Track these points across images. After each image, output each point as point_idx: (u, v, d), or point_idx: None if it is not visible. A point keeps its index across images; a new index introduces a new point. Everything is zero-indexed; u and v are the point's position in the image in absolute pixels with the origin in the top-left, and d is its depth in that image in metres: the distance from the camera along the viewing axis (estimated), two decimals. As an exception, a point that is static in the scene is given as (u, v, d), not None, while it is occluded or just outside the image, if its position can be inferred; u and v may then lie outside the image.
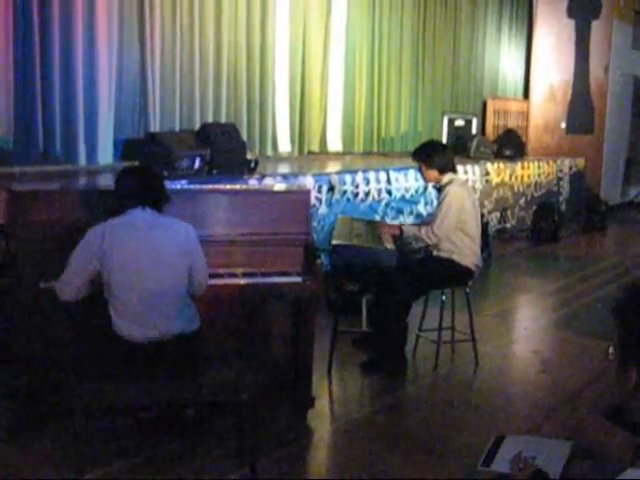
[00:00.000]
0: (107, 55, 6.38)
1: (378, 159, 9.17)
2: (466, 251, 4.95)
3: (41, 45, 5.91)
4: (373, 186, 7.21)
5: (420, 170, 5.12)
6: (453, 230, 4.90)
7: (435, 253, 5.02)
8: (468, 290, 5.10)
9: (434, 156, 5.02)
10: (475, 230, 5.01)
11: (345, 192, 6.87)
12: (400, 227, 5.16)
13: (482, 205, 9.28)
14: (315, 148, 9.02)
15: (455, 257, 4.94)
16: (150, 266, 3.27)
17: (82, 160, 6.24)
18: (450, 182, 4.98)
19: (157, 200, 3.41)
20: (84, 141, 6.25)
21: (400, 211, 7.56)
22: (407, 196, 7.67)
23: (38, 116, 5.94)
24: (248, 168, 6.41)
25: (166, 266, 3.31)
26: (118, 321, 3.26)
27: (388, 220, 6.90)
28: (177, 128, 7.08)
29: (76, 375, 3.23)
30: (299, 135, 8.74)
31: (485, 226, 8.56)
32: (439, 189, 5.06)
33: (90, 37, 6.25)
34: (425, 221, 5.49)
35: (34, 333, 3.65)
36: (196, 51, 7.33)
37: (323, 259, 4.79)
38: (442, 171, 5.02)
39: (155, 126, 6.86)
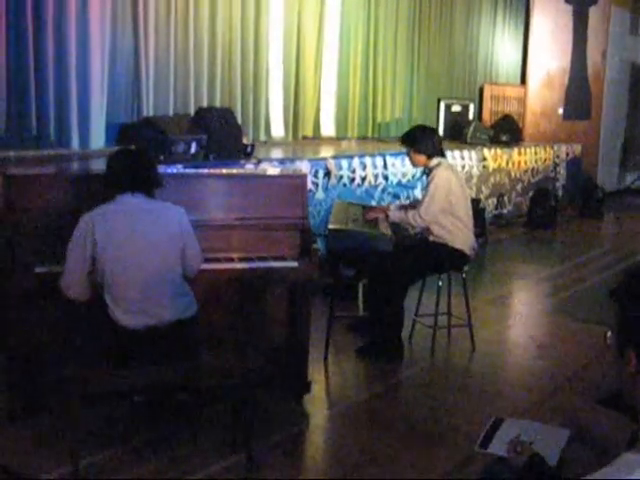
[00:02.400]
0: (100, 39, 6.35)
1: (374, 144, 9.16)
2: (459, 234, 4.96)
3: (34, 29, 5.87)
4: (370, 171, 7.21)
5: (408, 154, 5.13)
6: (442, 213, 4.91)
7: (431, 238, 5.02)
8: (464, 275, 5.12)
9: (421, 141, 5.03)
10: (465, 213, 5.01)
11: (341, 177, 6.87)
12: (386, 210, 5.17)
13: (479, 191, 9.29)
14: (309, 133, 9.00)
15: (449, 241, 4.95)
16: (143, 253, 3.26)
17: (75, 144, 6.22)
18: (437, 165, 4.99)
19: (148, 184, 3.38)
20: (77, 125, 6.23)
21: (397, 196, 7.56)
22: (404, 181, 7.68)
23: (31, 100, 5.91)
24: (245, 153, 6.40)
25: (159, 252, 3.30)
26: (114, 308, 3.26)
27: (384, 204, 6.90)
28: (171, 113, 7.05)
29: (72, 360, 3.24)
30: (293, 120, 8.73)
31: (482, 212, 8.58)
32: (427, 173, 5.07)
33: (83, 21, 6.21)
34: (412, 204, 5.49)
35: (30, 319, 3.64)
36: (190, 35, 7.29)
37: (319, 244, 4.78)
38: (430, 155, 5.03)
39: (149, 110, 6.84)
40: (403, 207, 5.37)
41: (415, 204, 5.28)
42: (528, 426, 2.50)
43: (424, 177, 5.26)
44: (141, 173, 3.36)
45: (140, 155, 3.49)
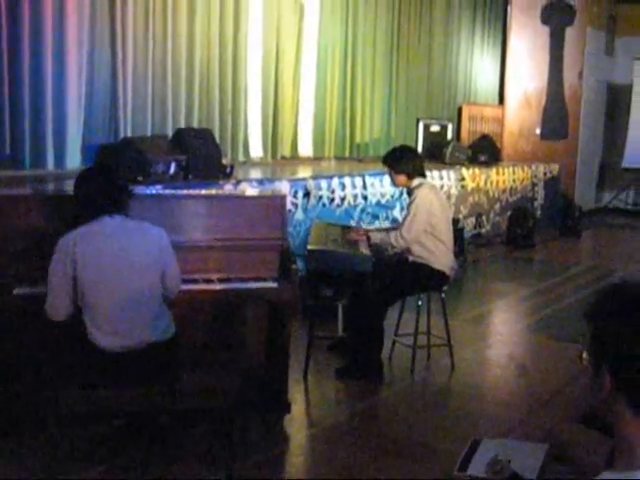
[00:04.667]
0: (77, 58, 6.33)
1: (352, 164, 9.22)
2: (439, 255, 5.02)
3: (9, 48, 5.86)
4: (349, 191, 7.27)
5: (390, 175, 5.20)
6: (423, 234, 4.97)
7: (410, 259, 5.07)
8: (444, 295, 5.17)
9: (403, 161, 5.10)
10: (446, 233, 5.08)
11: (321, 197, 6.92)
12: (366, 233, 5.22)
13: (457, 210, 9.37)
14: (287, 153, 9.06)
15: (429, 262, 5.00)
16: (123, 274, 3.27)
17: (50, 165, 6.20)
18: (419, 186, 5.05)
19: (124, 203, 3.39)
20: (52, 145, 6.22)
21: (376, 216, 7.62)
22: (383, 201, 7.74)
23: (5, 120, 5.89)
24: (224, 173, 6.43)
25: (139, 273, 3.31)
26: (93, 330, 3.26)
27: (364, 225, 6.94)
28: (149, 133, 7.06)
29: (50, 383, 3.24)
30: (271, 140, 8.76)
31: (460, 231, 8.65)
32: (409, 193, 5.14)
33: (59, 40, 6.20)
34: (394, 226, 5.55)
35: (8, 340, 3.64)
36: (168, 55, 7.31)
37: (299, 264, 4.81)
38: (411, 176, 5.09)
39: (126, 131, 6.84)
40: (383, 229, 5.43)
41: (394, 226, 5.33)
42: (506, 445, 2.53)
43: (404, 197, 5.31)
44: (115, 193, 3.37)
45: (111, 174, 3.47)
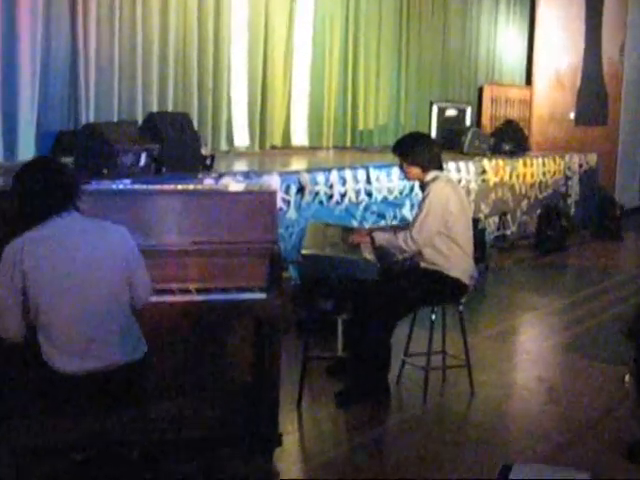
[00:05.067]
0: (30, 30, 6.29)
1: (354, 155, 9.25)
2: (456, 260, 5.03)
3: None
4: (350, 186, 7.28)
5: (401, 166, 5.21)
6: (437, 236, 4.98)
7: (423, 264, 5.08)
8: (461, 308, 5.18)
9: (417, 150, 5.11)
10: (465, 236, 5.09)
11: (317, 193, 6.93)
12: (370, 234, 5.23)
13: (478, 209, 9.38)
14: (278, 142, 9.07)
15: (444, 268, 5.01)
16: (85, 283, 3.24)
17: (-1, 156, 6.22)
18: (434, 180, 5.06)
19: (70, 198, 3.37)
20: (2, 134, 6.22)
21: (382, 215, 7.63)
22: (390, 198, 7.75)
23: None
24: (203, 165, 6.44)
25: (102, 281, 3.28)
26: (49, 350, 3.23)
27: (367, 226, 6.95)
28: (115, 119, 7.05)
29: (1, 412, 3.24)
30: (260, 127, 8.78)
31: (481, 233, 8.66)
32: (422, 187, 5.16)
33: (9, 18, 6.18)
34: (401, 225, 5.57)
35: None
36: (138, 30, 7.28)
37: (291, 272, 4.82)
38: (426, 168, 5.10)
39: (88, 116, 6.82)
40: (390, 229, 5.43)
41: (403, 225, 5.34)
42: (543, 470, 2.53)
43: (415, 193, 5.32)
44: (61, 190, 3.34)
45: (53, 167, 3.45)
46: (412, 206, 7.81)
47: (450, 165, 8.77)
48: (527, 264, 9.74)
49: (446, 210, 4.97)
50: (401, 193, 7.85)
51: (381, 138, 10.40)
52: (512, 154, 10.42)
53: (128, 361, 3.32)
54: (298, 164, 7.79)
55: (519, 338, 6.88)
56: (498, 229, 9.92)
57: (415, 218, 5.06)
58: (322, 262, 4.82)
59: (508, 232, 10.12)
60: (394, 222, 7.65)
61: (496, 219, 9.86)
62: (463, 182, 9.02)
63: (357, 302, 5.09)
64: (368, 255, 4.96)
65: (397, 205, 7.85)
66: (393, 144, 5.34)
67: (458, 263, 5.04)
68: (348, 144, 10.00)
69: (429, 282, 5.02)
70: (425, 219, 4.95)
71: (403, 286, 5.00)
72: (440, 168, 5.19)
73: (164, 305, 3.82)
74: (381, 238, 5.15)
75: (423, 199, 5.04)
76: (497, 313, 7.40)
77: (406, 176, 5.26)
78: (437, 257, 5.02)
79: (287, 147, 9.21)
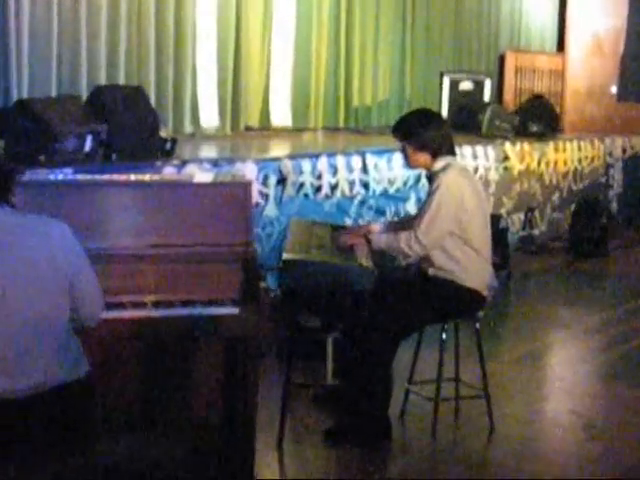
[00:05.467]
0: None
1: (348, 138, 9.26)
2: (472, 267, 5.02)
3: None
4: (342, 176, 7.29)
5: (403, 152, 5.20)
6: (448, 237, 4.97)
7: (431, 272, 5.08)
8: (478, 325, 5.17)
9: (422, 131, 5.08)
10: (481, 237, 5.07)
11: (302, 185, 6.94)
12: (366, 234, 5.24)
13: (498, 204, 9.40)
14: (254, 122, 9.07)
15: (457, 277, 5.00)
16: (12, 288, 3.22)
17: None
18: (444, 168, 5.04)
19: (7, 190, 3.36)
20: None
21: (381, 212, 7.65)
22: (391, 190, 7.76)
23: None
24: (162, 151, 6.43)
25: (36, 286, 3.25)
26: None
27: (363, 225, 6.95)
28: (54, 93, 7.03)
29: None
30: (232, 104, 8.77)
31: (503, 234, 8.67)
32: (430, 178, 5.15)
33: None
34: (406, 219, 5.56)
35: None
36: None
37: (270, 281, 4.82)
38: (434, 153, 5.09)
39: (21, 90, 6.81)
40: (391, 228, 5.43)
41: (407, 222, 5.34)
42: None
43: (421, 184, 5.32)
44: None
45: None
46: (418, 200, 7.81)
47: (465, 150, 8.79)
48: (559, 271, 9.76)
49: (460, 206, 4.96)
50: (405, 184, 7.86)
51: (381, 117, 10.42)
52: (541, 136, 10.46)
53: (66, 381, 3.29)
54: (279, 149, 7.81)
55: (549, 362, 6.90)
56: (523, 228, 9.95)
57: (421, 216, 5.02)
58: (308, 269, 4.82)
59: (536, 232, 10.16)
60: (395, 219, 7.64)
61: (521, 216, 9.89)
62: (481, 171, 9.06)
63: (350, 318, 5.07)
64: (364, 260, 4.96)
65: (400, 199, 7.86)
66: (394, 124, 5.31)
67: (474, 270, 5.03)
68: (340, 124, 10.02)
69: (439, 293, 5.01)
70: (434, 217, 4.93)
71: (407, 298, 5.00)
72: (452, 154, 5.19)
73: (114, 322, 3.81)
74: (379, 240, 5.14)
75: (431, 192, 5.02)
76: (522, 331, 7.41)
77: (410, 164, 5.24)
78: (448, 263, 5.01)
79: (265, 128, 9.21)
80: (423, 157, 5.11)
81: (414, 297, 5.02)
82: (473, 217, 5.03)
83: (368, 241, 5.14)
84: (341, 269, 4.88)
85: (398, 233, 5.08)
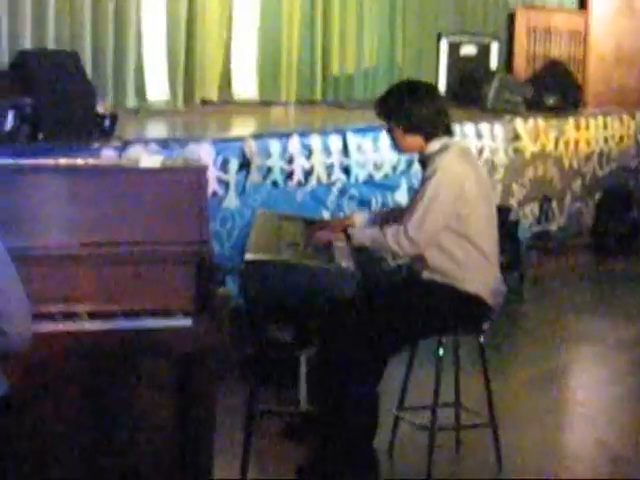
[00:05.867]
0: None
1: (326, 113, 9.26)
2: (474, 269, 5.03)
3: None
4: (318, 159, 7.28)
5: (390, 134, 5.21)
6: (445, 233, 4.98)
7: (425, 275, 5.09)
8: (483, 339, 5.19)
9: (412, 110, 5.07)
10: (486, 233, 5.09)
11: (269, 170, 6.93)
12: (346, 228, 5.25)
13: (508, 193, 9.42)
14: (212, 96, 9.04)
15: (456, 280, 5.02)
16: None
17: None
18: (441, 151, 5.04)
19: None
20: None
21: (365, 202, 7.63)
22: (378, 177, 7.77)
23: None
24: (100, 129, 6.42)
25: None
26: None
27: (343, 218, 6.97)
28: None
29: None
30: (185, 74, 8.75)
31: (513, 228, 8.69)
32: (423, 162, 5.16)
33: None
34: (397, 210, 5.56)
35: None
36: None
37: (231, 287, 4.81)
38: (427, 134, 5.09)
39: None
40: (377, 221, 5.44)
41: (397, 214, 5.34)
42: None
43: (414, 170, 5.32)
44: None
45: None
46: (410, 189, 7.81)
47: (467, 128, 8.81)
48: (581, 273, 9.81)
49: (459, 195, 4.95)
50: (394, 170, 7.87)
51: (366, 88, 10.40)
52: (559, 111, 10.47)
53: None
54: (242, 127, 7.82)
55: (568, 383, 6.94)
56: (539, 222, 9.97)
57: (412, 207, 5.03)
58: (276, 272, 4.83)
59: (553, 226, 10.18)
60: (383, 210, 7.64)
61: (535, 208, 9.91)
62: (486, 153, 9.07)
63: (328, 331, 5.08)
64: (344, 261, 4.97)
65: (388, 188, 7.87)
66: (376, 100, 5.30)
67: (477, 272, 5.04)
68: (317, 97, 9.99)
69: (434, 301, 5.02)
70: (427, 209, 4.92)
71: (396, 307, 5.01)
72: (449, 133, 5.21)
73: (41, 337, 3.77)
74: (362, 235, 5.16)
75: (425, 179, 5.02)
76: (537, 346, 7.45)
77: (398, 148, 5.26)
78: (446, 264, 5.02)
79: (226, 102, 9.19)
80: (414, 140, 5.11)
81: (405, 305, 5.03)
82: (476, 208, 5.03)
83: (348, 236, 5.16)
84: (316, 272, 4.89)
85: (385, 228, 5.08)
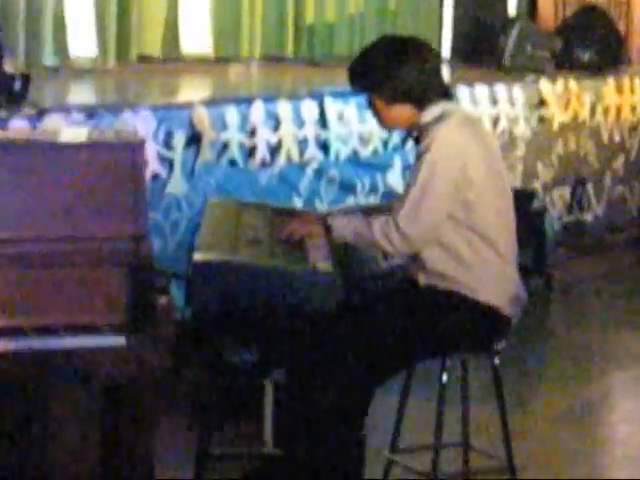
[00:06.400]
0: None
1: (298, 72, 9.28)
2: (487, 271, 5.03)
3: None
4: (288, 131, 7.28)
5: (370, 104, 5.20)
6: (450, 224, 4.97)
7: (424, 279, 5.09)
8: (497, 361, 5.19)
9: (394, 74, 5.07)
10: (500, 225, 5.07)
11: (226, 146, 6.92)
12: (325, 220, 5.23)
13: (531, 173, 9.44)
14: (153, 50, 9.05)
15: (463, 286, 5.02)
16: None
17: None
18: (438, 122, 5.01)
19: None
20: None
21: (349, 187, 7.64)
22: (364, 154, 7.77)
23: None
24: (7, 93, 6.41)
25: None
26: None
27: (321, 207, 6.98)
28: None
29: None
30: (118, 24, 8.75)
31: (537, 218, 8.70)
32: (416, 139, 5.14)
33: None
34: (382, 204, 5.56)
35: None
36: None
37: (176, 295, 4.81)
38: (420, 102, 5.09)
39: None
40: (361, 212, 5.44)
41: (386, 203, 5.35)
42: None
43: (409, 147, 5.31)
44: None
45: None
46: (406, 170, 7.83)
47: (478, 92, 8.82)
48: (624, 278, 9.82)
49: (462, 176, 4.92)
50: (385, 145, 7.89)
51: (350, 41, 10.43)
52: (596, 69, 10.49)
53: None
54: (191, 90, 7.81)
55: (607, 418, 6.95)
56: (570, 211, 10.00)
57: (405, 193, 5.04)
58: (233, 276, 4.83)
59: (588, 217, 10.21)
60: (372, 199, 7.66)
61: (566, 193, 9.95)
62: (503, 123, 9.09)
63: (301, 351, 5.08)
64: (321, 262, 4.97)
65: (378, 167, 7.89)
66: (351, 63, 5.24)
67: (489, 275, 5.04)
68: (288, 52, 10.02)
69: (436, 313, 5.04)
70: (422, 195, 4.90)
71: (388, 321, 5.01)
72: (448, 97, 5.20)
73: None
74: (344, 226, 5.13)
75: (417, 157, 5.02)
76: (567, 370, 7.46)
77: (384, 124, 5.27)
78: (449, 265, 5.01)
79: (171, 59, 9.20)
80: (402, 110, 5.07)
81: (398, 319, 5.02)
82: (484, 192, 5.00)
83: (328, 229, 5.14)
84: (286, 276, 4.88)
85: (373, 221, 5.05)
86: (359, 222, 5.13)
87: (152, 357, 4.01)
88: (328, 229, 5.14)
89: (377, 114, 5.17)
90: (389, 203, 5.67)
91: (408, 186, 5.03)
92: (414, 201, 4.91)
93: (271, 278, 4.86)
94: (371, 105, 5.17)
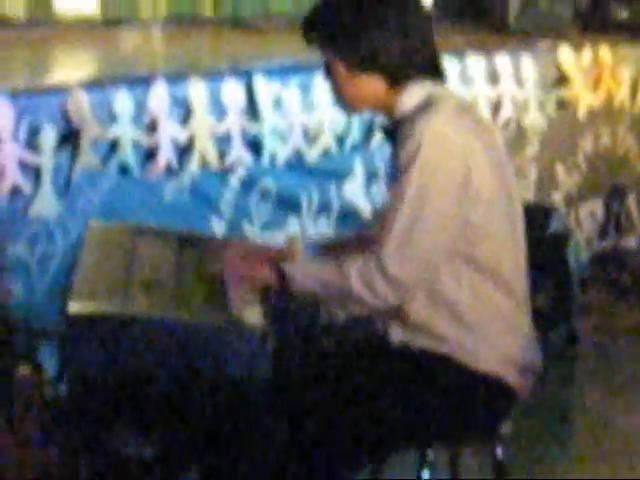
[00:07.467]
0: None
1: (218, 40, 9.32)
2: (494, 326, 5.04)
3: None
4: (203, 125, 7.28)
5: (329, 75, 5.19)
6: (446, 259, 4.96)
7: (399, 337, 5.08)
8: (501, 452, 5.20)
9: (371, 28, 5.08)
10: (508, 255, 5.09)
11: (115, 146, 6.91)
12: (278, 265, 5.15)
13: (547, 180, 9.47)
14: (14, 10, 9.08)
15: (456, 349, 5.01)
16: None
17: None
18: (424, 107, 5.01)
19: None
20: None
21: (290, 204, 7.65)
22: (311, 156, 7.77)
23: None
24: None
25: None
26: None
27: (252, 233, 6.99)
28: None
29: None
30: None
31: (557, 244, 8.72)
32: (391, 133, 5.15)
33: None
34: (361, 232, 5.58)
35: None
36: None
37: (47, 362, 4.80)
38: (397, 76, 5.10)
39: None
40: (326, 246, 5.45)
41: (358, 235, 5.36)
42: None
43: (377, 143, 5.33)
44: None
45: None
46: (370, 178, 7.84)
47: (471, 64, 8.83)
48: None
49: (466, 190, 4.86)
50: (341, 142, 7.90)
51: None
52: (637, 32, 10.55)
53: None
54: (66, 68, 7.82)
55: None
56: (604, 234, 10.02)
57: (388, 221, 4.93)
58: (125, 334, 4.82)
59: (630, 243, 10.23)
60: (321, 219, 7.68)
61: (598, 207, 9.98)
62: (506, 111, 9.11)
63: (220, 442, 5.08)
64: (248, 310, 4.96)
65: (331, 175, 7.91)
66: (306, 14, 5.24)
67: (496, 331, 5.05)
68: (204, 11, 10.07)
69: (414, 384, 5.04)
70: (416, 222, 4.81)
71: (345, 397, 5.01)
72: (436, 74, 5.20)
73: None
74: (308, 277, 5.08)
75: (399, 163, 4.96)
76: (599, 466, 7.46)
77: (343, 99, 5.25)
78: (439, 318, 5.00)
79: (41, 23, 9.23)
80: (371, 84, 5.07)
81: (361, 394, 5.03)
82: (493, 211, 4.95)
83: (281, 275, 5.07)
84: (200, 332, 4.87)
85: (344, 262, 5.00)
86: (326, 268, 5.08)
87: (10, 452, 4.01)
88: (282, 277, 5.08)
89: (336, 85, 5.14)
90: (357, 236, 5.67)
91: (392, 209, 4.91)
92: (403, 230, 4.83)
93: (178, 336, 4.84)
94: (330, 72, 5.13)
